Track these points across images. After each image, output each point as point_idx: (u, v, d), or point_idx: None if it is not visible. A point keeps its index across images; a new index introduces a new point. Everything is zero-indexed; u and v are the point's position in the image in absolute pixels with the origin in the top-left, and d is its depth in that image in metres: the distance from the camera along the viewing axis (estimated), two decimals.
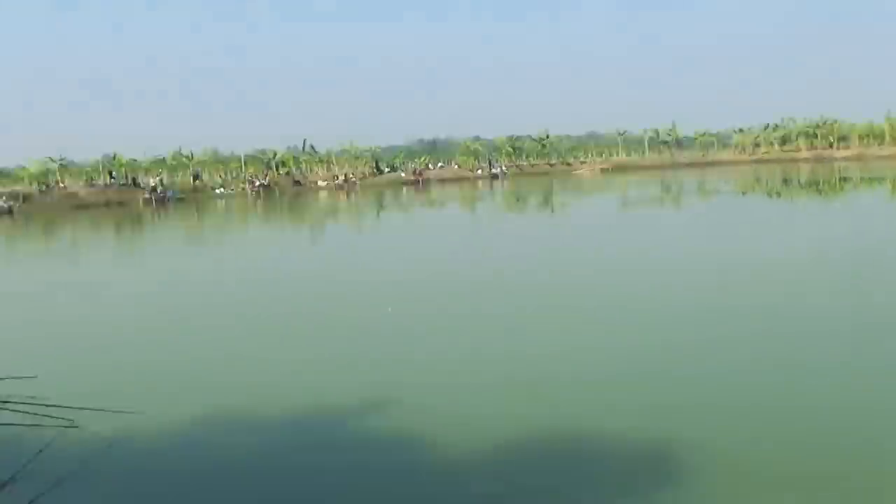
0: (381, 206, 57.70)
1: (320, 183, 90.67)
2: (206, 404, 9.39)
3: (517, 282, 17.64)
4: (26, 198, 72.26)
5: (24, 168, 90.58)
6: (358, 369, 10.72)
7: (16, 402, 8.19)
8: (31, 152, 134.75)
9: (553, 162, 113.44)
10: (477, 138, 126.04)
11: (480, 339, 12.15)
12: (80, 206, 70.26)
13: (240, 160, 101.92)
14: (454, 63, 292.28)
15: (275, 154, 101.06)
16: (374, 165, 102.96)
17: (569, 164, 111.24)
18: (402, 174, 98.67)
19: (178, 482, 7.27)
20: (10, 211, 66.93)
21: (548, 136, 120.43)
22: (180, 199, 75.99)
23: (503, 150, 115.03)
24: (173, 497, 6.99)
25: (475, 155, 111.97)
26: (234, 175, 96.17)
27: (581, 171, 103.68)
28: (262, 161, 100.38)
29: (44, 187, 79.90)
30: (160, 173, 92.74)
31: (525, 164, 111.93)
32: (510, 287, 16.98)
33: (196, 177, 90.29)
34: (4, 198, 70.46)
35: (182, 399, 9.71)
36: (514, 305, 14.76)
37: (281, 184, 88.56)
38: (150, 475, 7.45)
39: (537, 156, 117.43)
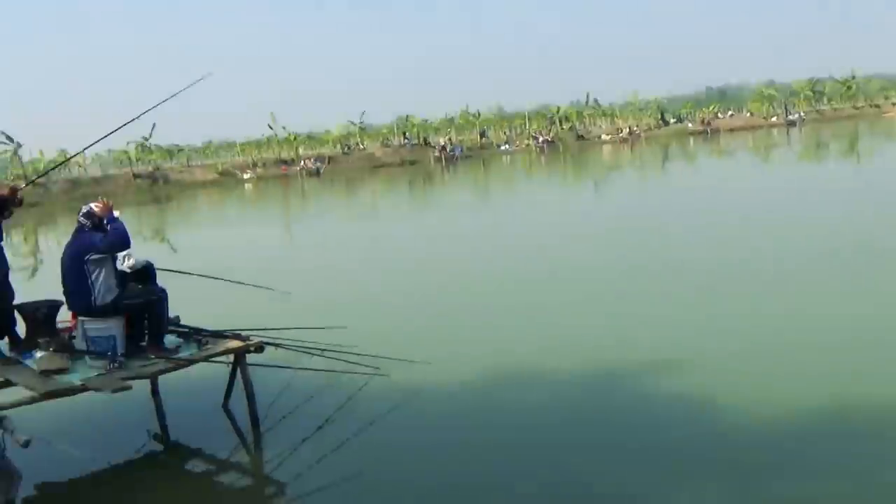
0: (665, 157, 56.11)
1: (604, 137, 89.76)
2: (494, 357, 9.59)
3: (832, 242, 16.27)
4: (331, 159, 78.69)
5: (328, 132, 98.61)
6: (653, 329, 10.42)
7: (331, 350, 8.97)
8: (336, 117, 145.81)
9: (860, 105, 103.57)
10: (771, 83, 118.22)
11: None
12: (377, 166, 75.26)
13: (524, 117, 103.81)
14: (742, 3, 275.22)
15: (558, 109, 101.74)
16: (660, 116, 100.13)
17: (878, 107, 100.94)
18: (689, 125, 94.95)
19: (455, 435, 7.53)
20: (318, 172, 73.19)
21: (854, 77, 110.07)
22: (467, 157, 78.79)
23: (801, 95, 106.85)
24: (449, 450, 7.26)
25: (769, 101, 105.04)
26: (518, 132, 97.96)
27: (893, 113, 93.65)
28: (546, 117, 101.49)
29: (346, 149, 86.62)
30: (449, 132, 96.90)
31: (827, 108, 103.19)
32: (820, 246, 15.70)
33: (482, 134, 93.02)
34: (313, 160, 77.35)
35: (471, 351, 9.98)
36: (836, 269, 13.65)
37: (564, 139, 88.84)
38: (437, 425, 7.79)
39: (841, 99, 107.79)
